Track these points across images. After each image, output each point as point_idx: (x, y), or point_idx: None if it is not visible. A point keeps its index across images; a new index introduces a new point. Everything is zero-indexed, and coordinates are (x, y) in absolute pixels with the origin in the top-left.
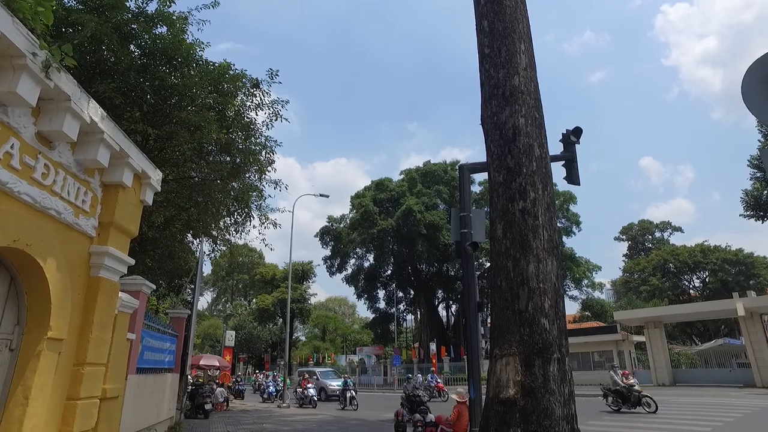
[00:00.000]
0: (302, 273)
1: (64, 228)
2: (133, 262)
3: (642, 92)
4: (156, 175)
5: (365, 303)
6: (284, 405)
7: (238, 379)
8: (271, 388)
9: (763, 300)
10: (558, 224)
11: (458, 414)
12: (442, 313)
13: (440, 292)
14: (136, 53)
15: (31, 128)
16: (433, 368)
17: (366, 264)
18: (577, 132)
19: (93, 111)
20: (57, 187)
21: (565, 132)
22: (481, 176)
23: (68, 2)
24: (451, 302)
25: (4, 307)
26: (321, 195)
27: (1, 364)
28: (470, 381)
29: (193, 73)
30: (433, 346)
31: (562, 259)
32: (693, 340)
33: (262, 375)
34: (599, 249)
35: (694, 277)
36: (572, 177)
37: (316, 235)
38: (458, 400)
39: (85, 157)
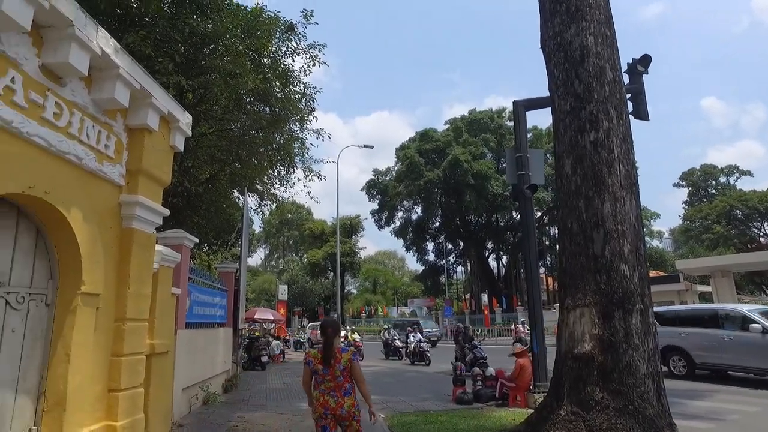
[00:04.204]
0: (350, 227)
1: (87, 175)
2: (167, 212)
3: (704, 27)
4: (185, 118)
5: (414, 255)
6: None
7: (297, 332)
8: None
9: None
10: None
11: (521, 368)
12: (493, 264)
13: (490, 243)
14: (165, 1)
15: (34, 60)
16: (485, 319)
17: (414, 216)
18: (646, 60)
19: (104, 42)
20: (74, 129)
21: (630, 61)
22: (530, 122)
23: None
24: (501, 253)
25: (34, 261)
26: (365, 146)
27: (39, 320)
28: (533, 333)
29: (224, 19)
30: (484, 298)
31: None
32: (763, 290)
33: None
34: (655, 196)
35: (766, 224)
36: (640, 112)
37: (362, 189)
38: (519, 353)
39: (101, 96)
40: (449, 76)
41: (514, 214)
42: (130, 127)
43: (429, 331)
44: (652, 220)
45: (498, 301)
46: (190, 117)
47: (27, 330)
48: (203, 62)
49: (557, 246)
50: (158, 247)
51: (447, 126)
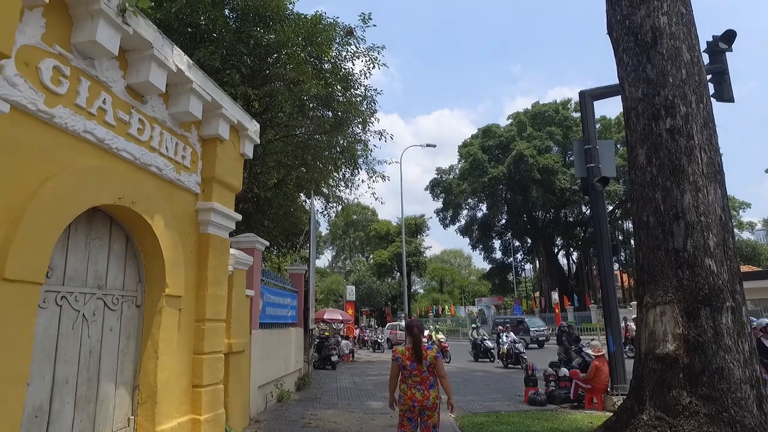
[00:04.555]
0: (415, 227)
1: (167, 184)
2: (239, 217)
3: None
4: (253, 126)
5: (481, 254)
6: None
7: (365, 332)
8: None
9: None
10: None
11: (596, 369)
12: (563, 261)
13: (559, 239)
14: (231, 17)
15: (121, 81)
16: (556, 317)
17: (479, 214)
18: (729, 37)
19: (178, 59)
20: (154, 142)
21: (711, 39)
22: (598, 112)
23: None
24: (571, 249)
25: (125, 266)
26: (428, 145)
27: (131, 319)
28: (608, 332)
29: (286, 28)
30: (554, 296)
31: None
32: None
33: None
34: (744, 184)
35: None
36: (723, 93)
37: (426, 189)
38: (594, 354)
39: (178, 110)
40: (511, 68)
41: (583, 208)
42: (203, 138)
43: (536, 330)
44: (741, 210)
45: (569, 300)
46: (258, 125)
47: (122, 328)
48: (267, 72)
49: (632, 241)
50: (232, 251)
51: (510, 121)
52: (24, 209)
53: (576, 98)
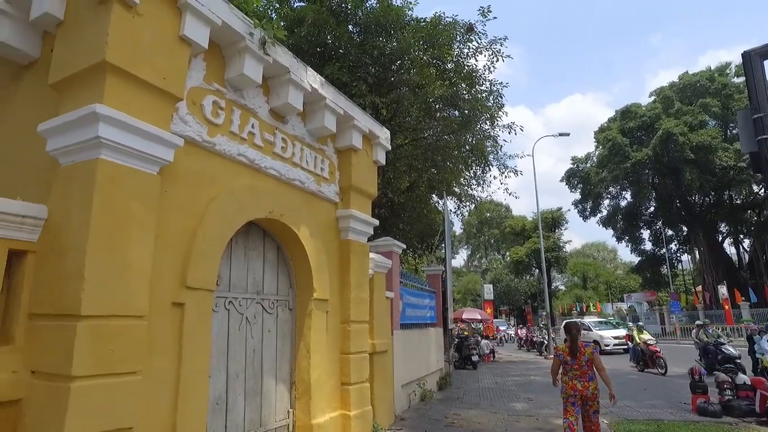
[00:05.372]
0: (552, 221)
1: (310, 196)
2: (377, 222)
3: None
4: (383, 134)
5: (627, 245)
6: (550, 357)
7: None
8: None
9: None
10: None
11: None
12: (730, 249)
13: (723, 225)
14: (354, 31)
15: (265, 106)
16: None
17: (622, 203)
18: None
19: (312, 79)
20: (296, 158)
21: None
22: None
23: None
24: (741, 236)
25: (278, 274)
26: (560, 134)
27: (285, 322)
28: None
29: (406, 35)
30: (722, 290)
31: None
32: None
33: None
34: None
35: None
36: None
37: (561, 180)
38: None
39: (314, 126)
40: (649, 40)
41: (754, 188)
42: (338, 150)
43: None
44: None
45: (742, 294)
46: (388, 131)
47: (278, 330)
48: (392, 79)
49: None
50: (371, 255)
51: (653, 98)
52: (196, 228)
53: (737, 61)
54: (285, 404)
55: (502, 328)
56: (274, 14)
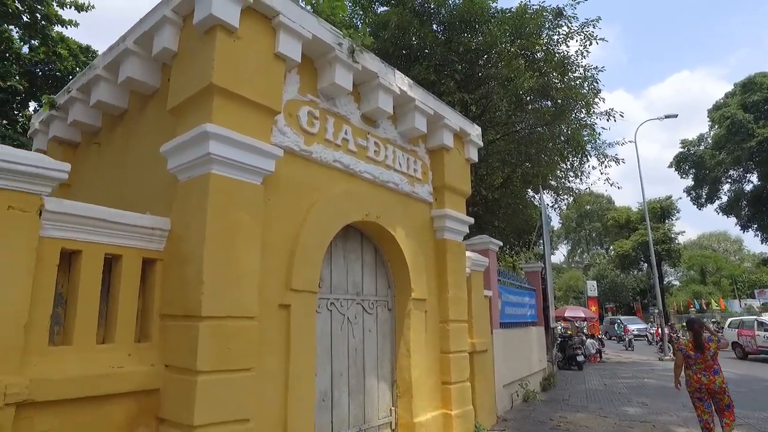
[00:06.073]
0: (661, 211)
1: (404, 197)
2: (472, 221)
3: None
4: (474, 131)
5: (756, 235)
6: (666, 357)
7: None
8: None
9: None
10: None
11: None
12: None
13: None
14: (438, 30)
15: (357, 113)
16: None
17: (747, 187)
18: None
19: (400, 82)
20: (389, 160)
21: None
22: None
23: (377, 8)
24: None
25: (376, 274)
26: (666, 117)
27: (385, 321)
28: None
29: (492, 28)
30: None
31: None
32: None
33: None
34: None
35: None
36: None
37: (669, 166)
38: None
39: (405, 128)
40: None
41: None
42: (430, 150)
43: None
44: None
45: None
46: (479, 128)
47: (378, 330)
48: (480, 74)
49: None
50: (468, 254)
51: None
52: (298, 234)
53: None
54: (387, 402)
55: (632, 327)
56: (359, 22)
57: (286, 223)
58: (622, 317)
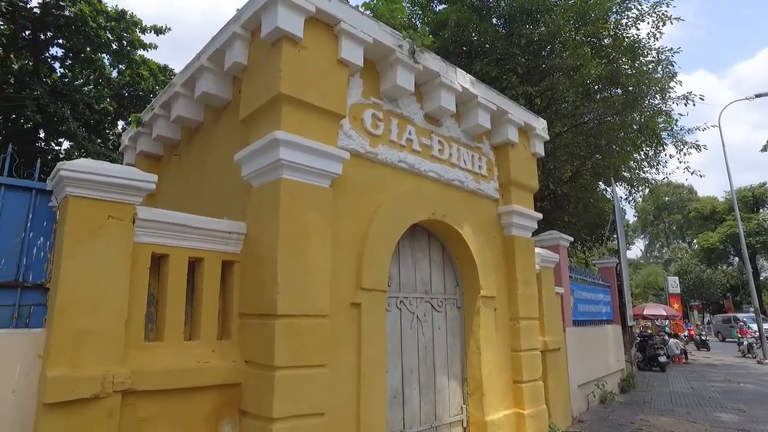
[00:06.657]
0: (753, 199)
1: (470, 195)
2: (540, 216)
3: None
4: (540, 124)
5: None
6: (766, 361)
7: (700, 330)
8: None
9: None
10: None
11: None
12: None
13: None
14: (498, 24)
15: (419, 113)
16: None
17: None
18: None
19: (462, 79)
20: (454, 158)
21: None
22: None
23: (436, 7)
24: None
25: (444, 273)
26: (758, 96)
27: (454, 319)
28: None
29: (555, 17)
30: None
31: None
32: None
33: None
34: None
35: None
36: None
37: (762, 150)
38: None
39: (469, 125)
40: None
41: None
42: (494, 146)
43: None
44: None
45: None
46: (544, 121)
47: (447, 327)
48: (544, 66)
49: None
50: (537, 250)
51: None
52: (366, 234)
53: None
54: (458, 400)
55: (754, 327)
56: (418, 21)
57: (355, 223)
58: (741, 314)
